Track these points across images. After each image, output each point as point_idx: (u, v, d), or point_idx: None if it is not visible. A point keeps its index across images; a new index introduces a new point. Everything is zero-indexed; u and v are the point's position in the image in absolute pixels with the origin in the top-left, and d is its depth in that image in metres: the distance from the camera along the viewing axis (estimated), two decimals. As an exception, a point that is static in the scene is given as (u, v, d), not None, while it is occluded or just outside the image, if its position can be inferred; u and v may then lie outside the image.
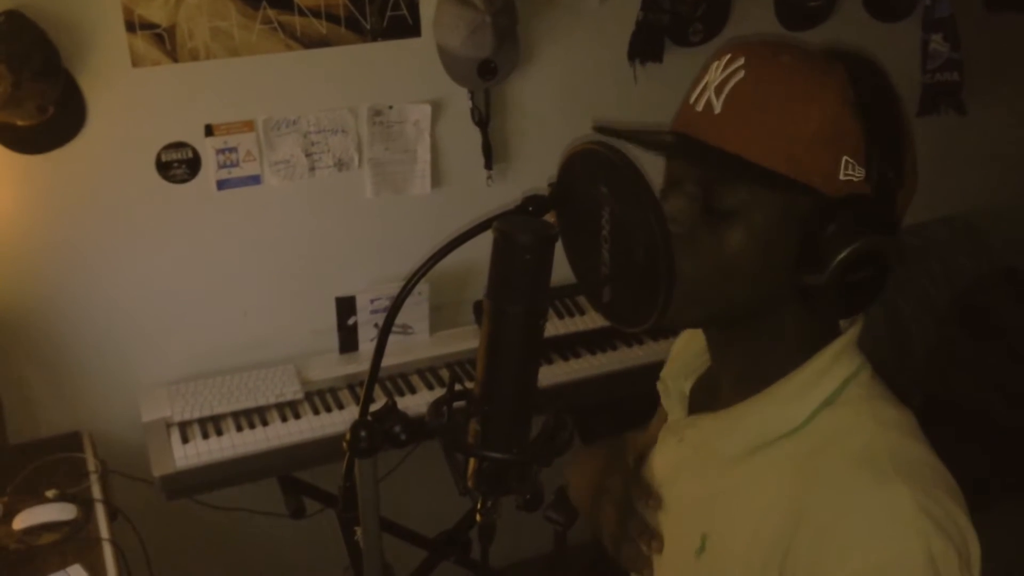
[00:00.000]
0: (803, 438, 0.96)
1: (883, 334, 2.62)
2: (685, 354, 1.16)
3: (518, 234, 0.85)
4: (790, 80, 0.92)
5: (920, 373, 2.97)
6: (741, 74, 0.93)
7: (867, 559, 0.85)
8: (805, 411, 0.97)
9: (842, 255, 0.89)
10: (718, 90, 0.94)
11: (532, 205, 0.92)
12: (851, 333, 1.00)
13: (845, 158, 0.91)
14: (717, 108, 0.93)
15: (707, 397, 1.09)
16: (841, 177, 0.91)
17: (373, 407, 0.92)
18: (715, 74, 0.95)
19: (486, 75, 2.58)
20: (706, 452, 1.04)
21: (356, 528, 0.98)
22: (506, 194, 2.78)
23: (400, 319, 2.71)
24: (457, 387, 0.92)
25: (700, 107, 0.95)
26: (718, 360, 1.07)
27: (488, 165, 2.76)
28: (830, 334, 1.01)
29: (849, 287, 0.91)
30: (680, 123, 0.99)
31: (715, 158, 0.92)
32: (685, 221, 0.94)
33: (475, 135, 2.72)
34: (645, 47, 2.81)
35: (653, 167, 0.93)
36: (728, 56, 0.95)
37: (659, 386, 1.17)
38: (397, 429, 0.90)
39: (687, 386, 1.14)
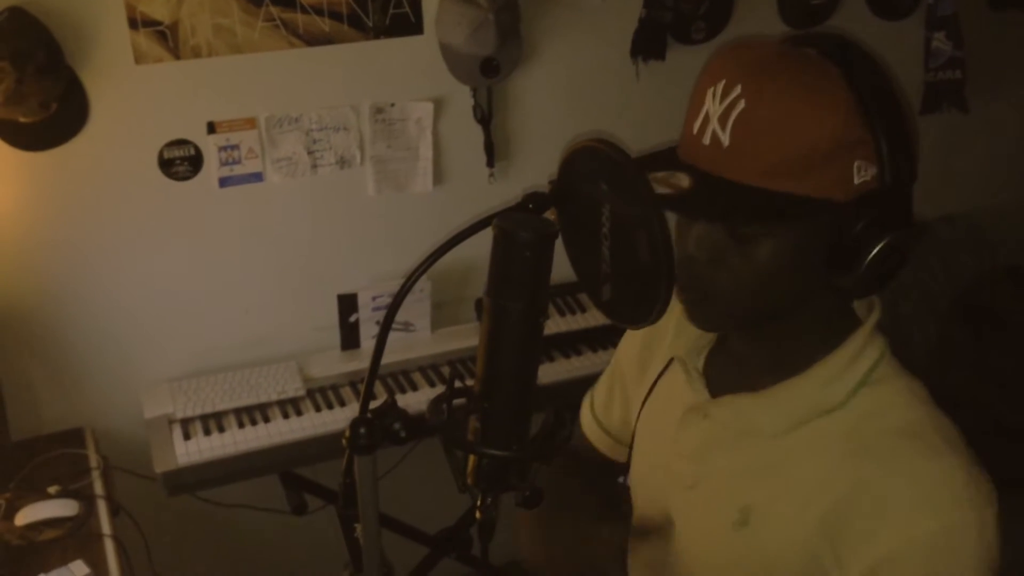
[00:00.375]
0: (844, 415, 1.02)
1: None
2: (690, 330, 1.15)
3: (518, 231, 0.85)
4: (791, 100, 0.92)
5: (921, 371, 2.97)
6: (742, 104, 0.93)
7: (926, 527, 0.92)
8: (845, 390, 1.02)
9: (872, 255, 0.94)
10: (722, 121, 0.94)
11: (532, 202, 0.92)
12: (875, 317, 1.06)
13: (857, 163, 0.93)
14: (725, 141, 0.94)
15: (733, 378, 1.11)
16: (856, 181, 0.94)
17: (373, 404, 0.92)
18: (714, 105, 0.95)
19: (488, 73, 2.58)
20: (740, 428, 1.07)
21: (356, 525, 0.98)
22: (508, 192, 2.78)
23: (402, 316, 2.71)
24: (457, 384, 0.92)
25: (707, 140, 0.95)
26: (746, 347, 1.10)
27: (490, 163, 2.76)
28: (849, 315, 1.07)
29: (876, 276, 0.96)
30: (688, 155, 0.99)
31: (740, 201, 0.93)
32: (712, 247, 0.98)
33: (477, 133, 2.72)
34: (648, 45, 2.80)
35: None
36: (723, 83, 0.95)
37: (678, 364, 1.18)
38: (397, 426, 0.90)
39: (700, 363, 1.16)
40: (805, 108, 0.92)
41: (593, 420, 1.42)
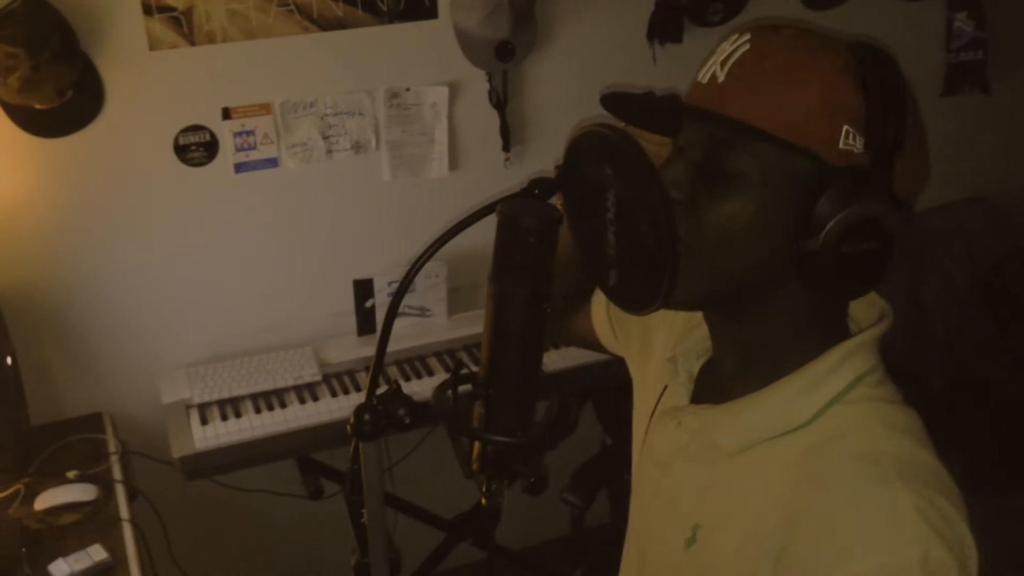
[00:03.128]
0: (807, 435, 0.94)
1: (904, 316, 2.60)
2: (696, 333, 1.13)
3: (522, 217, 0.85)
4: (792, 49, 0.91)
5: (942, 356, 2.95)
6: (746, 47, 0.92)
7: (864, 563, 0.84)
8: (812, 409, 0.95)
9: (833, 221, 0.88)
10: (723, 63, 0.93)
11: (538, 187, 0.92)
12: (871, 332, 0.98)
13: (846, 127, 0.89)
14: (721, 78, 0.93)
15: (712, 385, 1.07)
16: (840, 146, 0.89)
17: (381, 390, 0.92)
18: (722, 52, 0.95)
19: (504, 56, 2.57)
20: (704, 442, 1.01)
21: (363, 511, 0.98)
22: (524, 176, 2.75)
23: (418, 301, 2.71)
24: (462, 371, 0.92)
25: (705, 80, 0.95)
26: (719, 347, 1.05)
27: (506, 147, 2.75)
28: (836, 327, 0.99)
29: (847, 260, 0.89)
30: (687, 98, 0.98)
31: (716, 119, 0.91)
32: (685, 187, 0.93)
33: (493, 117, 2.71)
34: (664, 27, 2.78)
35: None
36: (735, 36, 0.95)
37: (668, 363, 1.13)
38: (402, 412, 0.90)
39: (697, 366, 1.12)
40: (804, 56, 0.90)
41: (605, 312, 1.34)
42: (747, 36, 0.93)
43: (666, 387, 1.16)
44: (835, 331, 0.98)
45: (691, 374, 1.11)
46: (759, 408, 0.97)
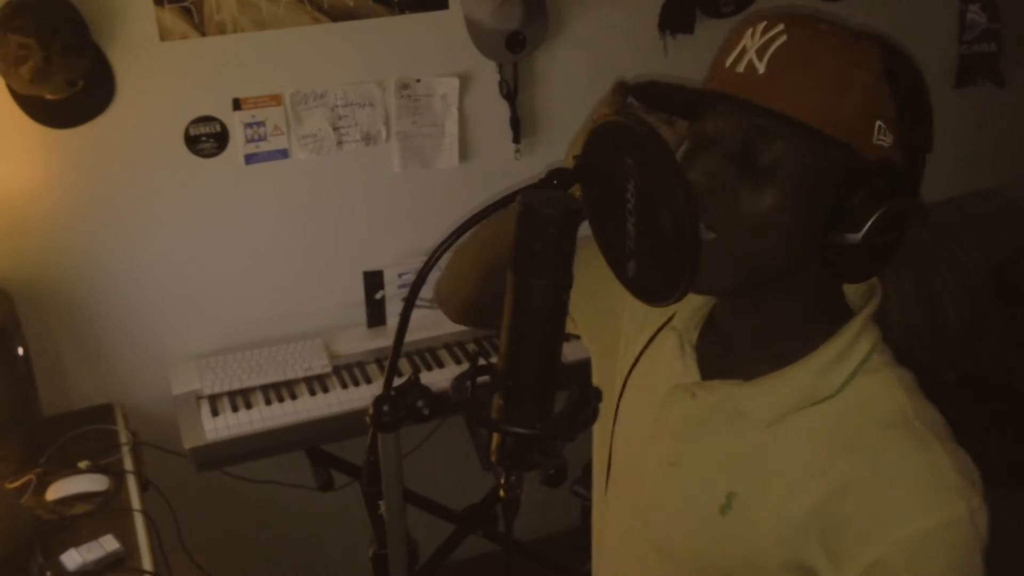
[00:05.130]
0: (835, 405, 1.00)
1: (916, 309, 2.58)
2: (693, 301, 1.15)
3: (542, 207, 0.84)
4: (832, 44, 0.94)
5: (954, 349, 2.93)
6: (783, 38, 0.94)
7: (920, 523, 0.91)
8: (838, 380, 1.00)
9: (875, 216, 0.92)
10: (760, 53, 0.94)
11: (557, 178, 0.91)
12: (872, 306, 1.04)
13: (879, 123, 0.93)
14: (761, 69, 0.94)
15: (720, 358, 1.09)
16: (874, 141, 0.93)
17: (398, 381, 0.92)
18: (753, 40, 0.96)
19: (514, 47, 2.56)
20: (728, 413, 1.05)
21: (380, 502, 0.98)
22: (534, 168, 2.77)
23: (428, 293, 2.70)
24: (480, 362, 0.91)
25: (741, 69, 0.96)
26: (730, 323, 1.09)
27: (516, 139, 2.74)
28: (841, 304, 1.06)
29: (874, 249, 0.94)
30: (716, 84, 0.99)
31: (762, 113, 0.93)
32: (722, 177, 0.95)
33: (503, 108, 2.70)
34: (676, 18, 2.77)
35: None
36: (764, 23, 0.96)
37: (672, 337, 1.14)
38: (420, 404, 0.90)
39: (693, 337, 1.14)
40: (843, 53, 0.94)
41: None
42: (781, 26, 0.95)
43: (639, 356, 1.19)
44: (843, 308, 1.05)
45: (691, 343, 1.13)
46: (790, 383, 1.01)
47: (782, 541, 0.98)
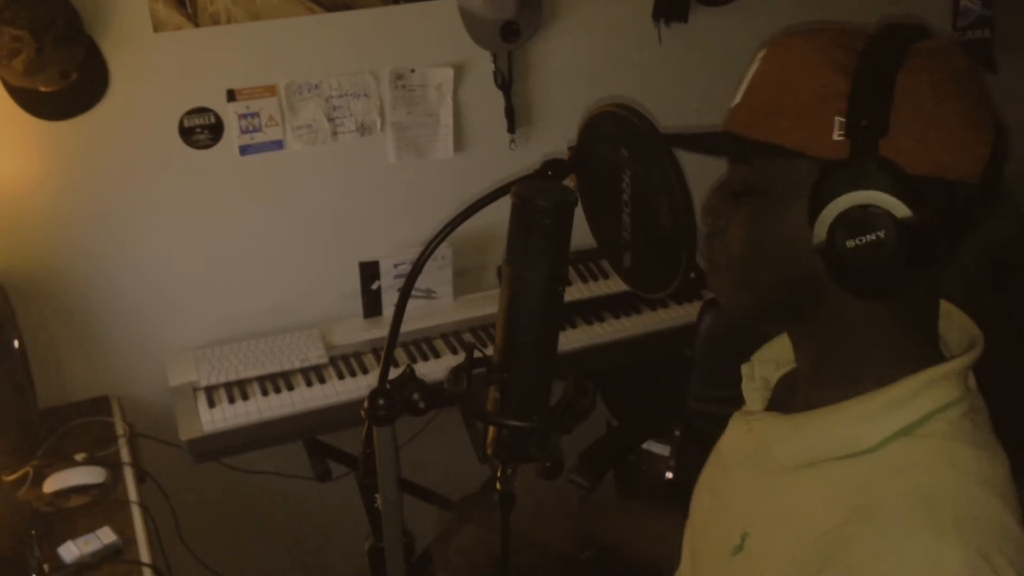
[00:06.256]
0: (868, 464, 0.88)
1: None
2: (777, 343, 1.10)
3: (537, 199, 0.84)
4: (788, 58, 0.89)
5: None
6: (758, 63, 0.92)
7: None
8: (878, 436, 0.88)
9: (821, 213, 0.85)
10: (746, 82, 0.93)
11: (551, 169, 0.91)
12: (961, 361, 0.91)
13: (838, 118, 0.85)
14: (739, 99, 0.93)
15: (786, 394, 1.04)
16: (834, 138, 0.85)
17: (394, 372, 0.92)
18: (748, 73, 0.95)
19: (509, 37, 2.55)
20: (765, 451, 0.97)
21: (376, 495, 0.98)
22: (529, 158, 2.76)
23: (423, 283, 2.71)
24: (476, 354, 0.91)
25: (734, 102, 0.94)
26: (796, 357, 1.01)
27: (511, 129, 2.73)
28: (923, 348, 0.93)
29: (856, 255, 0.84)
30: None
31: (727, 142, 0.90)
32: (723, 214, 0.93)
33: (498, 98, 2.70)
34: (670, 7, 2.75)
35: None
36: (762, 52, 0.94)
37: (744, 367, 1.10)
38: (415, 397, 0.90)
39: (775, 375, 1.08)
40: (797, 62, 0.88)
41: None
42: (763, 52, 0.92)
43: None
44: (920, 355, 0.92)
45: (767, 381, 1.08)
46: (822, 425, 0.92)
47: None
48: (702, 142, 0.91)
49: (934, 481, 0.84)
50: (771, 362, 1.08)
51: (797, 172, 0.87)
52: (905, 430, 0.87)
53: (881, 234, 0.83)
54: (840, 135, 0.85)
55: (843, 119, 0.85)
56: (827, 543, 0.85)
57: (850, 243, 0.84)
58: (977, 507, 0.82)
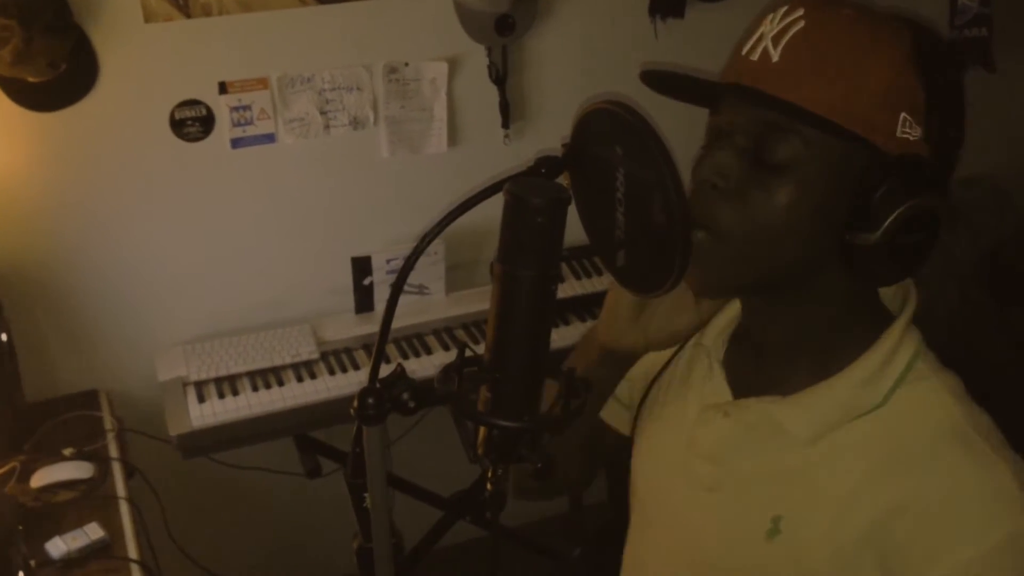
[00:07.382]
0: (882, 416, 0.95)
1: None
2: (721, 319, 1.11)
3: (530, 196, 0.82)
4: (852, 31, 0.89)
5: (943, 335, 2.93)
6: (801, 24, 0.90)
7: (986, 541, 0.87)
8: (883, 390, 0.96)
9: (895, 214, 0.87)
10: (775, 40, 0.90)
11: (544, 166, 0.89)
12: (910, 309, 1.00)
13: (903, 115, 0.88)
14: (775, 57, 0.90)
15: (752, 374, 1.04)
16: (898, 135, 0.88)
17: (385, 369, 0.90)
18: (771, 25, 0.92)
19: (504, 31, 2.54)
20: (767, 432, 1.00)
21: (365, 495, 0.96)
22: (523, 153, 2.75)
23: (416, 279, 2.69)
24: (468, 353, 0.90)
25: (755, 56, 0.92)
26: (759, 332, 1.03)
27: (505, 124, 2.72)
28: (878, 309, 1.00)
29: (898, 250, 0.89)
30: (731, 74, 0.95)
31: (772, 103, 0.88)
32: (733, 175, 0.91)
33: (492, 93, 2.68)
34: (666, 2, 2.74)
35: (671, 132, 0.90)
36: (785, 8, 0.92)
37: (699, 352, 1.11)
38: (405, 396, 0.88)
39: (721, 353, 1.10)
40: (864, 39, 0.89)
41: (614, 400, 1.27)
42: (800, 11, 0.90)
43: (659, 373, 1.16)
44: (880, 316, 1.00)
45: (720, 363, 1.08)
46: (831, 397, 0.97)
47: (835, 563, 0.94)
48: (761, 99, 0.89)
49: (949, 414, 0.93)
50: (719, 344, 1.10)
51: (851, 158, 0.89)
52: (900, 378, 0.96)
53: (926, 235, 0.90)
54: (905, 133, 0.89)
55: (907, 116, 0.88)
56: (884, 504, 0.91)
57: (903, 239, 0.88)
58: (985, 422, 0.94)
